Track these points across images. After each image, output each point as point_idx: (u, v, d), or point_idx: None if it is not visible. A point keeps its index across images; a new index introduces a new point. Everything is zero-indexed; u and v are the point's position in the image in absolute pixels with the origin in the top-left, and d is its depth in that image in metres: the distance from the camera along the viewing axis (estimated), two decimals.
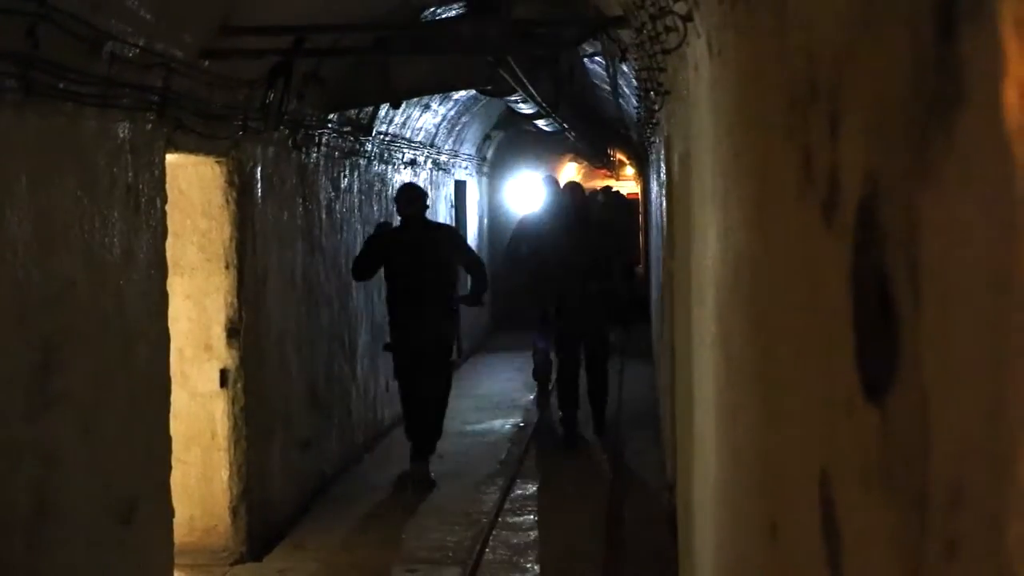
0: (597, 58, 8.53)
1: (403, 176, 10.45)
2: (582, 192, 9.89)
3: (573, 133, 13.61)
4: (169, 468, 5.28)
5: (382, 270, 7.92)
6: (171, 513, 5.31)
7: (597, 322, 9.24)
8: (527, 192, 15.57)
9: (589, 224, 9.48)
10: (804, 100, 1.26)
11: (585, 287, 9.02)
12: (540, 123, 12.45)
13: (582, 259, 9.01)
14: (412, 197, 7.99)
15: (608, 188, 17.11)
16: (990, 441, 0.58)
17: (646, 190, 14.87)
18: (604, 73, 8.94)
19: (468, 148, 14.09)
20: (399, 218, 8.27)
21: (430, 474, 7.83)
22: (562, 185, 10.20)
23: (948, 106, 0.63)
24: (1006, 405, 0.56)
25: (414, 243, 7.78)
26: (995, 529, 0.57)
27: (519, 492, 7.67)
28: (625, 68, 7.03)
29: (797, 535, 1.37)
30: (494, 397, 11.13)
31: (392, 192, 9.95)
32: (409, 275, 7.76)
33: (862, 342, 1.01)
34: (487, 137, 15.07)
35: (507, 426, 9.85)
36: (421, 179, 11.38)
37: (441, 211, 12.42)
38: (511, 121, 13.65)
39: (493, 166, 16.70)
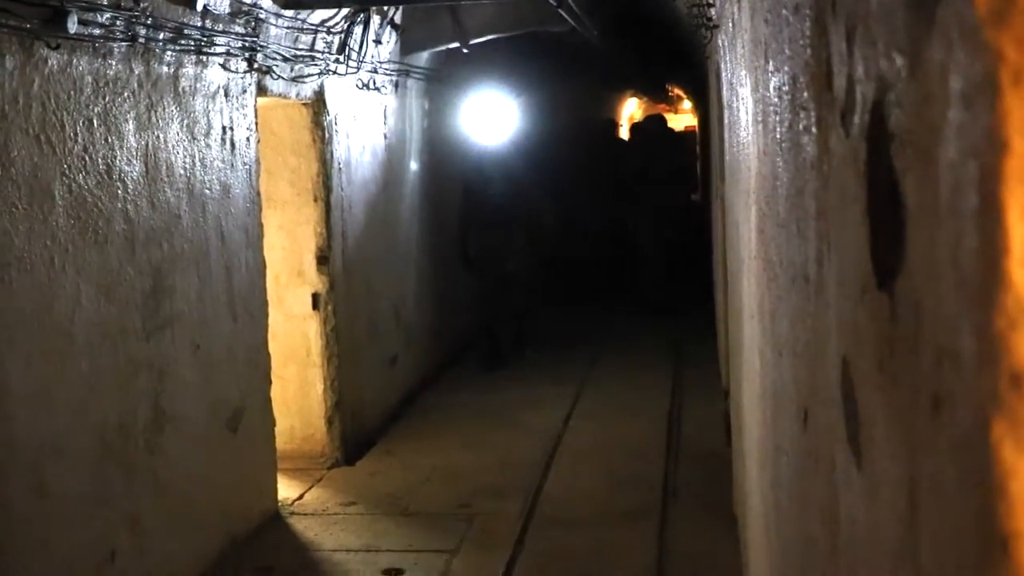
0: None
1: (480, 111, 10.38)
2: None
3: (631, 67, 13.33)
4: (270, 382, 5.43)
5: None
6: (273, 422, 5.47)
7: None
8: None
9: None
10: (826, 18, 1.25)
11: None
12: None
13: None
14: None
15: (656, 116, 13.82)
16: (964, 308, 0.60)
17: (704, 121, 14.64)
18: (659, 10, 8.79)
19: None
20: None
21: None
22: None
23: (931, 4, 0.64)
24: (975, 272, 0.57)
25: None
26: (969, 383, 0.60)
27: (585, 405, 7.71)
28: (678, 5, 6.91)
29: (824, 418, 1.40)
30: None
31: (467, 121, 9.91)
32: None
33: (876, 235, 1.02)
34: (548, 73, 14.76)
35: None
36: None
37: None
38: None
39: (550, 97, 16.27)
